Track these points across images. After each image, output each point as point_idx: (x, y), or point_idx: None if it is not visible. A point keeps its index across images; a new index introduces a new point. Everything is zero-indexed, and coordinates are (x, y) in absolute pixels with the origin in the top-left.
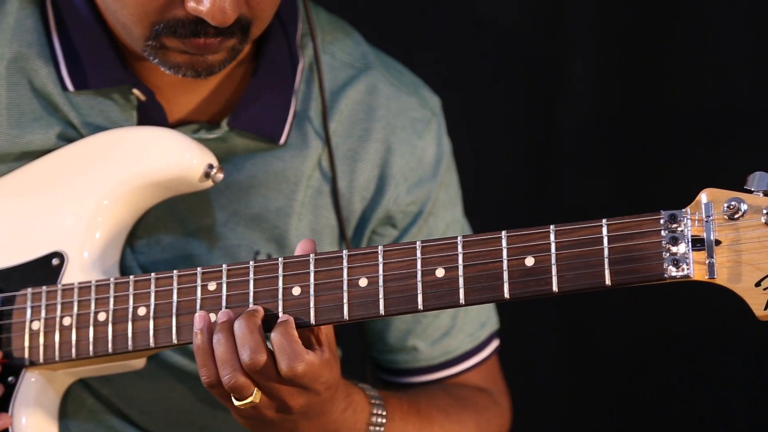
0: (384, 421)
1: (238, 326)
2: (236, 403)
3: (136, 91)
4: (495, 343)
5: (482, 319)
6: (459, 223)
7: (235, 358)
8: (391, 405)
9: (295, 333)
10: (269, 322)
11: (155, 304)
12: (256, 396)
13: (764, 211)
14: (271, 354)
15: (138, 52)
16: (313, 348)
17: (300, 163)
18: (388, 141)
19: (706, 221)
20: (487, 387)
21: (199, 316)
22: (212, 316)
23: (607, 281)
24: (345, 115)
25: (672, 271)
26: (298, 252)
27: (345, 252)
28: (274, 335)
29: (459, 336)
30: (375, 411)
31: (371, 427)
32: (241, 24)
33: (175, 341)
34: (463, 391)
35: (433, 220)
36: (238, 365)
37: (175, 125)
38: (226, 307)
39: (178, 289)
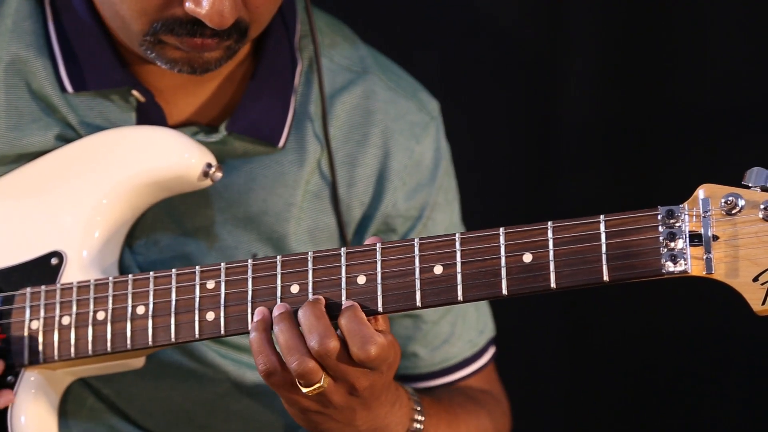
0: (422, 418)
1: (303, 314)
2: (304, 390)
3: (135, 93)
4: (492, 350)
5: (480, 327)
6: (456, 227)
7: (301, 344)
8: (425, 403)
9: (364, 317)
10: (331, 310)
11: (154, 303)
12: (324, 381)
13: (762, 207)
14: (339, 339)
15: (136, 51)
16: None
17: (298, 167)
18: (386, 146)
19: (704, 217)
20: (487, 390)
21: (258, 311)
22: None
23: (605, 277)
24: (342, 119)
25: (670, 266)
26: None
27: (343, 250)
28: (343, 320)
29: (458, 343)
30: (416, 407)
31: (415, 424)
32: (239, 26)
33: (173, 340)
34: (472, 392)
35: (431, 224)
36: (306, 351)
37: (174, 127)
38: (225, 306)
39: (177, 287)
